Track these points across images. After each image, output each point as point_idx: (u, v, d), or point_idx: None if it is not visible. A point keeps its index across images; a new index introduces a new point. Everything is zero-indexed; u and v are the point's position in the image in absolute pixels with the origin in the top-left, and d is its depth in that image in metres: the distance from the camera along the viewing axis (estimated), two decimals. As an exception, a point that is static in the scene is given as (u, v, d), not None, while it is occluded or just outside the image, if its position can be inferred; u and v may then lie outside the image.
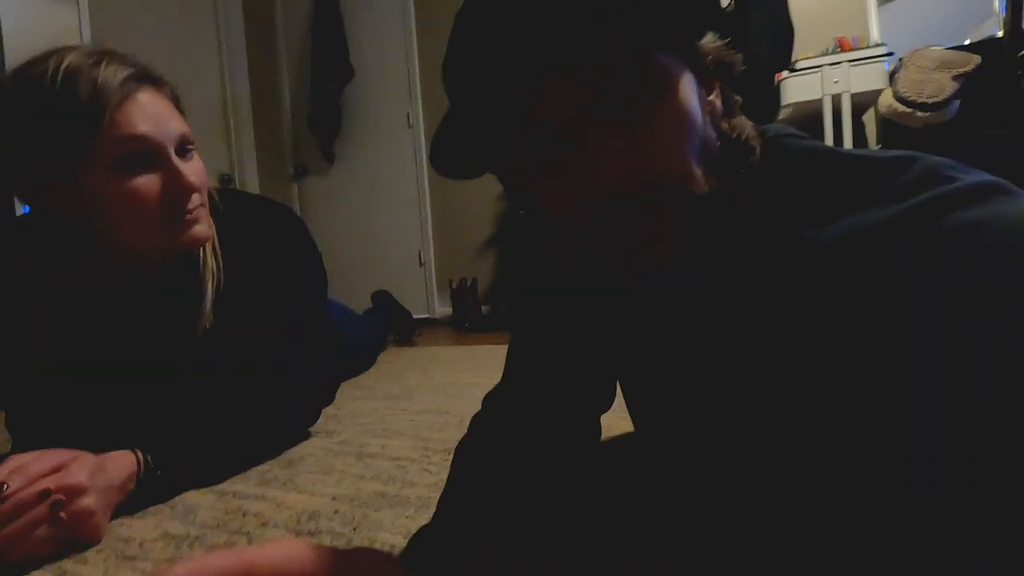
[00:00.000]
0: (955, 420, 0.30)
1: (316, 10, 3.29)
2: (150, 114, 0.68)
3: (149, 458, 0.71)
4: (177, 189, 0.70)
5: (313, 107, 3.31)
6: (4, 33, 1.83)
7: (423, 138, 3.17)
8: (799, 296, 0.37)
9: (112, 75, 0.65)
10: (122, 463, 0.68)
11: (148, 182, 0.69)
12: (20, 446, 0.77)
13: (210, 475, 0.79)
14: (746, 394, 0.42)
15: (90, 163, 0.66)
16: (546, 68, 0.35)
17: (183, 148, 0.73)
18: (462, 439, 0.56)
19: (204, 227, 0.76)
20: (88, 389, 0.80)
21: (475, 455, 0.53)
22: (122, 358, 0.81)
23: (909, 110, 1.78)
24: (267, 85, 3.43)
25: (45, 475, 0.59)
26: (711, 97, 0.41)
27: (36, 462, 0.60)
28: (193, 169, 0.73)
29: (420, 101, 3.17)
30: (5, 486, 0.56)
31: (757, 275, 0.39)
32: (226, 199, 0.86)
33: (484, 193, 2.98)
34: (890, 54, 1.95)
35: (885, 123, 1.98)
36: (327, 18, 3.24)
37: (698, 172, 0.37)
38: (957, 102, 1.75)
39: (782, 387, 0.39)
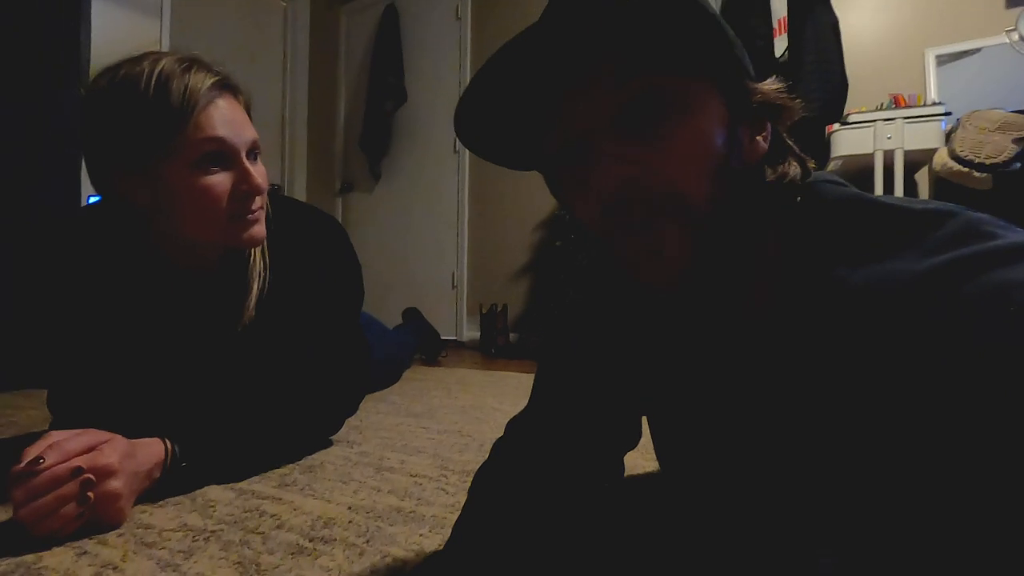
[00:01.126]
0: (995, 483, 0.29)
1: (377, 37, 3.45)
2: (228, 119, 0.73)
3: (177, 448, 0.72)
4: (246, 188, 0.75)
5: (365, 126, 3.44)
6: (92, 41, 1.97)
7: (467, 164, 3.24)
8: (824, 339, 0.36)
9: (200, 81, 0.70)
10: (151, 451, 0.70)
11: (221, 180, 0.73)
12: (59, 424, 0.79)
13: (232, 472, 0.80)
14: (771, 436, 0.41)
15: (171, 158, 0.70)
16: (573, 81, 0.37)
17: (252, 153, 0.77)
18: (482, 464, 0.55)
19: (262, 228, 0.79)
20: (127, 375, 0.83)
21: (494, 484, 0.52)
22: (163, 348, 0.84)
23: (966, 170, 1.73)
24: (324, 104, 3.59)
25: (79, 454, 0.61)
26: (759, 137, 0.41)
27: (72, 440, 0.62)
28: (260, 172, 0.77)
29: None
30: (41, 459, 0.58)
31: (784, 315, 0.39)
32: (276, 204, 0.89)
33: (521, 221, 3.01)
34: (948, 113, 1.91)
35: (939, 182, 1.93)
36: (387, 44, 3.39)
37: (698, 190, 0.37)
38: (1018, 164, 1.70)
39: (805, 430, 0.38)
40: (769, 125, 0.42)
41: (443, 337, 2.52)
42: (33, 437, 0.72)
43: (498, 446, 0.56)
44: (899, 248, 0.34)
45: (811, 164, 0.43)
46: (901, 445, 0.33)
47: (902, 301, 0.32)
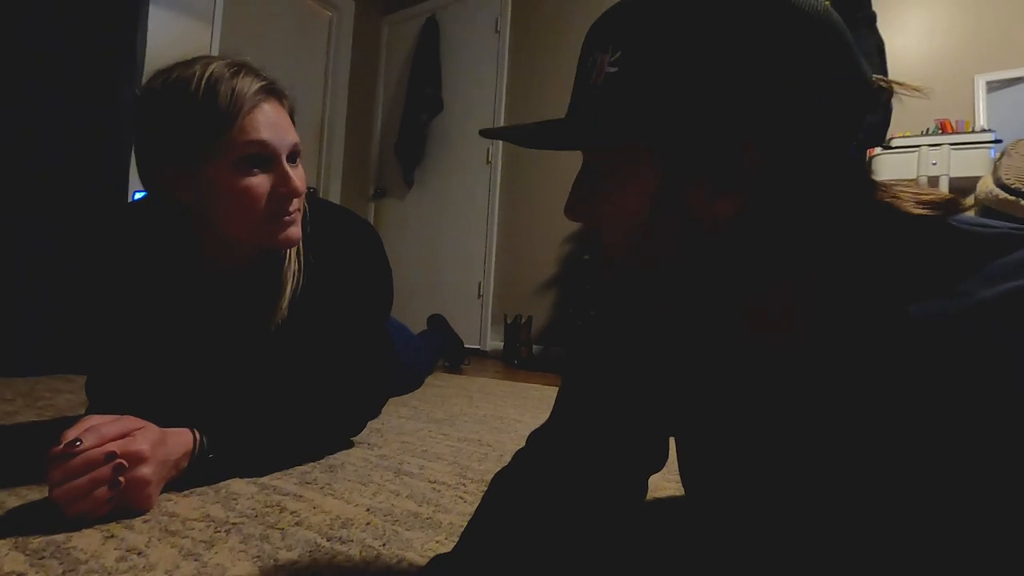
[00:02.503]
0: None
1: (417, 48, 3.53)
2: (272, 123, 0.76)
3: (205, 440, 0.74)
4: (284, 191, 0.77)
5: (401, 134, 3.51)
6: (148, 46, 2.07)
7: (499, 175, 3.26)
8: (875, 372, 0.34)
9: (248, 86, 0.73)
10: (181, 440, 0.72)
11: (261, 181, 0.75)
12: (96, 409, 0.82)
13: (256, 467, 0.82)
14: (808, 468, 0.40)
15: (215, 158, 0.73)
16: None
17: (292, 156, 0.79)
18: (501, 470, 0.55)
19: (298, 229, 0.81)
20: (162, 365, 0.86)
21: (511, 492, 0.52)
22: (197, 342, 0.86)
23: (1013, 198, 1.67)
24: (362, 111, 3.68)
25: (114, 439, 0.63)
26: (727, 195, 0.35)
27: (108, 425, 0.64)
28: (299, 175, 0.79)
29: (501, 141, 3.27)
30: (79, 442, 0.61)
31: (824, 347, 0.37)
32: (313, 206, 0.91)
33: (550, 233, 3.01)
34: (998, 141, 1.84)
35: (985, 211, 1.86)
36: (426, 55, 3.46)
37: (616, 250, 0.40)
38: (1070, 197, 1.62)
39: (847, 466, 0.37)
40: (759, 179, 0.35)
41: (467, 345, 2.54)
42: (71, 420, 0.75)
43: (519, 455, 0.56)
44: (961, 275, 0.32)
45: (909, 192, 0.38)
46: (943, 486, 0.31)
47: (964, 333, 0.30)
